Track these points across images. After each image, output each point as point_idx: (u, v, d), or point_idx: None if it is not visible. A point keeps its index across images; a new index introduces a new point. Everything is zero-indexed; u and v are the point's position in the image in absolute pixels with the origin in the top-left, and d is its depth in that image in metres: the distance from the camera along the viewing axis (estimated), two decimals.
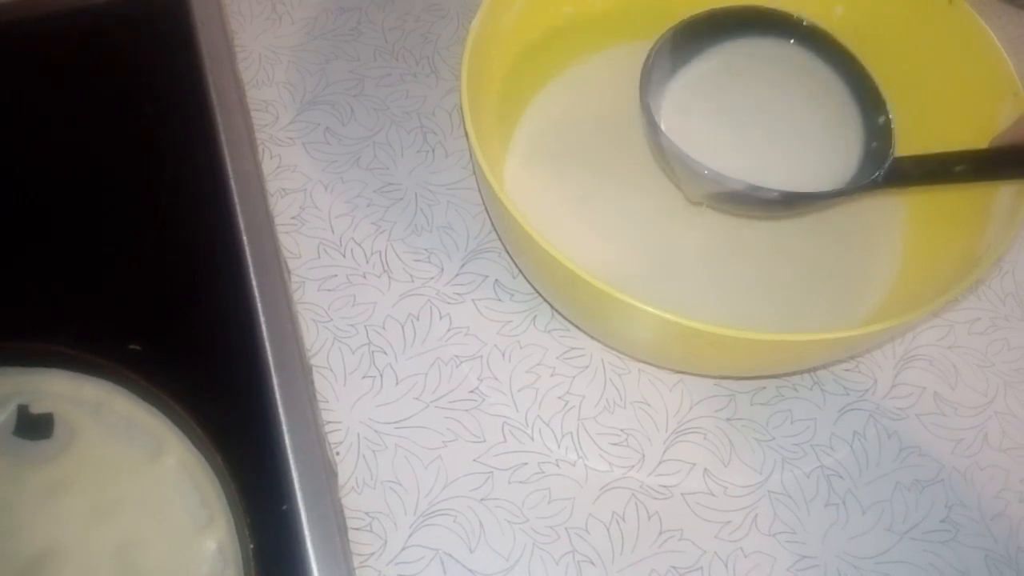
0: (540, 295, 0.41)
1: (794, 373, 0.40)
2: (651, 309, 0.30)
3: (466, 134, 0.35)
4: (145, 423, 0.35)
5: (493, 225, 0.43)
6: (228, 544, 0.33)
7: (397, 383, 0.39)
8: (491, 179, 0.33)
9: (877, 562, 0.36)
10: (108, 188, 0.43)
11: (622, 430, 0.39)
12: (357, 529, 0.35)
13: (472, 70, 0.36)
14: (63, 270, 0.40)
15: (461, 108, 0.35)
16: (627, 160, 0.43)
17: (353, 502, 0.36)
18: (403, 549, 0.35)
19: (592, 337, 0.40)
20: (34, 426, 0.35)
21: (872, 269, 0.41)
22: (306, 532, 0.34)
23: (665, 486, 0.37)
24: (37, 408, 0.36)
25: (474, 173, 0.44)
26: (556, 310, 0.41)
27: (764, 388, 0.40)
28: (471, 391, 0.39)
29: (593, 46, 0.46)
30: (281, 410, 0.37)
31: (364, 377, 0.39)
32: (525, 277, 0.42)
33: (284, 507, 0.34)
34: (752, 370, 0.37)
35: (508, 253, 0.43)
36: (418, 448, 0.38)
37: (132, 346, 0.37)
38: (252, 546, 0.33)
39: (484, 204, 0.43)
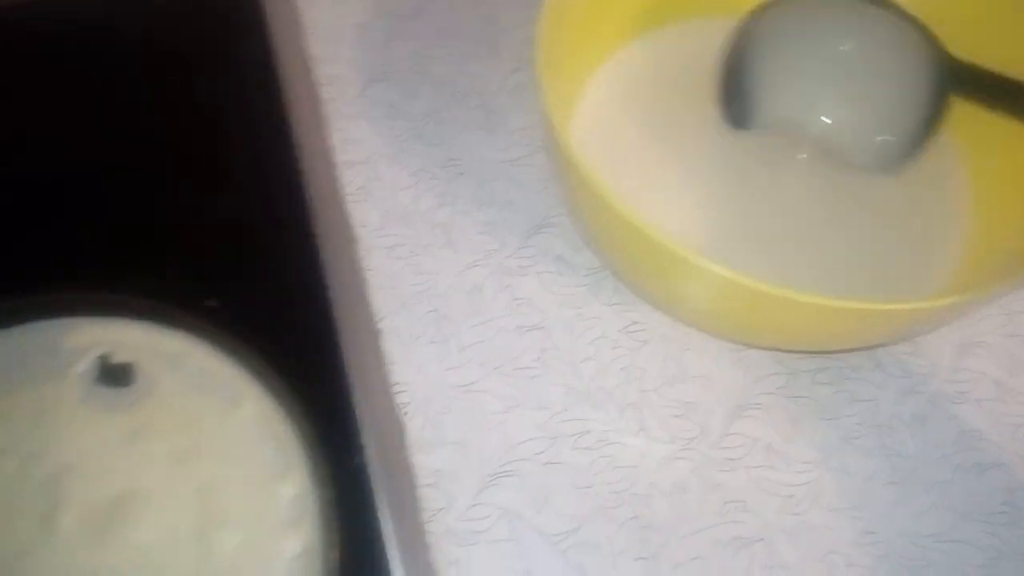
0: (605, 265, 0.43)
1: (857, 350, 0.42)
2: (719, 269, 0.32)
3: (539, 99, 0.37)
4: (223, 375, 0.37)
5: (558, 195, 0.45)
6: (305, 493, 0.35)
7: (462, 349, 0.41)
8: (565, 142, 0.35)
9: (939, 540, 0.38)
10: (183, 156, 0.45)
11: (684, 403, 0.40)
12: (426, 486, 0.37)
13: (545, 39, 0.38)
14: (144, 231, 0.42)
15: (535, 77, 0.37)
16: (696, 132, 0.45)
17: (421, 460, 0.38)
18: (471, 507, 0.37)
19: (656, 307, 0.42)
20: (115, 375, 0.37)
21: (935, 253, 0.42)
22: (378, 485, 0.36)
23: (728, 459, 0.39)
24: (118, 358, 0.38)
25: (544, 146, 0.47)
26: (621, 280, 0.43)
27: (827, 368, 0.42)
28: (534, 360, 0.41)
29: (661, 19, 0.48)
30: (351, 369, 0.39)
31: (430, 343, 0.41)
32: (590, 248, 0.44)
33: (356, 460, 0.36)
34: (818, 339, 0.39)
35: (572, 226, 0.45)
36: (483, 412, 0.39)
37: (209, 302, 0.39)
38: (328, 496, 0.35)
39: (552, 174, 0.45)
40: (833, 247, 0.42)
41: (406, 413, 0.39)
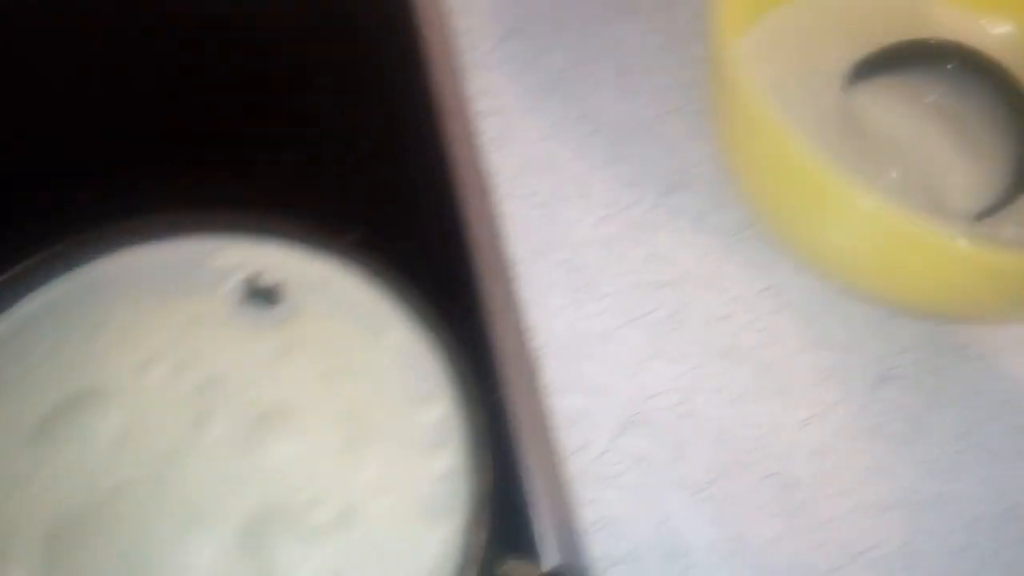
0: (754, 214, 0.43)
1: (1005, 326, 0.41)
2: (894, 207, 0.32)
3: (712, 25, 0.37)
4: (367, 302, 0.38)
5: (717, 140, 0.45)
6: (448, 421, 0.36)
7: (597, 300, 0.42)
8: (736, 66, 0.35)
9: None
10: (328, 98, 0.47)
11: (824, 368, 0.40)
12: (562, 427, 0.38)
13: None
14: (293, 164, 0.44)
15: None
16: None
17: (557, 402, 0.38)
18: (605, 452, 0.37)
19: (804, 263, 0.42)
20: (262, 295, 0.39)
21: None
22: (516, 422, 0.37)
23: (870, 426, 0.39)
24: (265, 279, 0.39)
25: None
26: (769, 232, 0.43)
27: (973, 344, 0.41)
28: (670, 315, 0.42)
29: None
30: (488, 309, 0.40)
31: (564, 290, 0.42)
32: (740, 195, 0.44)
33: (496, 396, 0.37)
34: (984, 302, 0.38)
35: (713, 182, 0.45)
36: (619, 361, 0.40)
37: (353, 234, 0.40)
38: (471, 426, 0.35)
39: (712, 114, 0.45)
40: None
41: (540, 356, 0.40)
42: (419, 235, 0.42)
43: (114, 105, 0.45)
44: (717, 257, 0.43)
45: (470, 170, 0.45)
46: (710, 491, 0.37)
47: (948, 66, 0.44)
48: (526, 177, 0.46)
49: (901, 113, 0.45)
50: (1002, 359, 0.41)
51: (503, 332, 0.39)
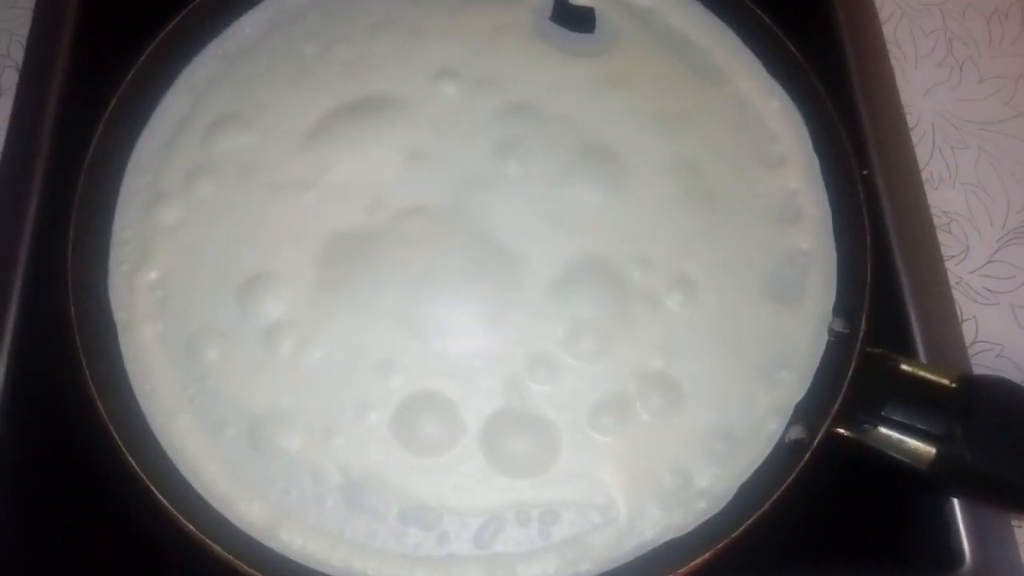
0: None
1: None
2: None
3: None
4: (704, 43, 0.33)
5: None
6: (804, 190, 0.30)
7: (980, 81, 0.35)
8: None
9: None
10: None
11: None
12: (938, 227, 0.32)
13: None
14: None
15: None
16: None
17: (929, 196, 0.32)
18: (989, 262, 0.31)
19: None
20: (574, 17, 0.33)
21: None
22: (885, 211, 0.31)
23: None
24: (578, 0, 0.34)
25: None
26: None
27: None
28: None
29: None
30: (852, 73, 0.33)
31: (939, 65, 0.35)
32: None
33: (864, 173, 0.31)
34: None
35: None
36: (1008, 159, 0.33)
37: None
38: (834, 204, 0.30)
39: None
40: None
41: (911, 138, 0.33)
42: None
43: None
44: None
45: None
46: None
47: None
48: None
49: None
50: None
51: (870, 103, 0.33)
